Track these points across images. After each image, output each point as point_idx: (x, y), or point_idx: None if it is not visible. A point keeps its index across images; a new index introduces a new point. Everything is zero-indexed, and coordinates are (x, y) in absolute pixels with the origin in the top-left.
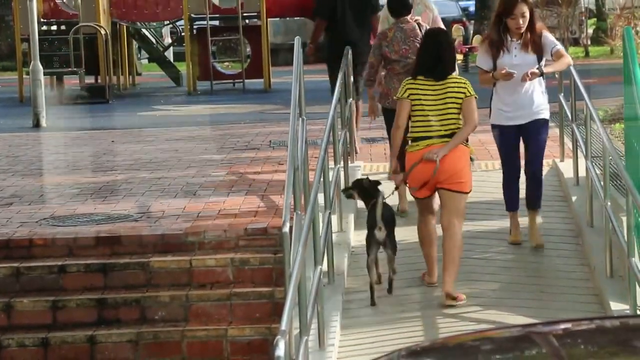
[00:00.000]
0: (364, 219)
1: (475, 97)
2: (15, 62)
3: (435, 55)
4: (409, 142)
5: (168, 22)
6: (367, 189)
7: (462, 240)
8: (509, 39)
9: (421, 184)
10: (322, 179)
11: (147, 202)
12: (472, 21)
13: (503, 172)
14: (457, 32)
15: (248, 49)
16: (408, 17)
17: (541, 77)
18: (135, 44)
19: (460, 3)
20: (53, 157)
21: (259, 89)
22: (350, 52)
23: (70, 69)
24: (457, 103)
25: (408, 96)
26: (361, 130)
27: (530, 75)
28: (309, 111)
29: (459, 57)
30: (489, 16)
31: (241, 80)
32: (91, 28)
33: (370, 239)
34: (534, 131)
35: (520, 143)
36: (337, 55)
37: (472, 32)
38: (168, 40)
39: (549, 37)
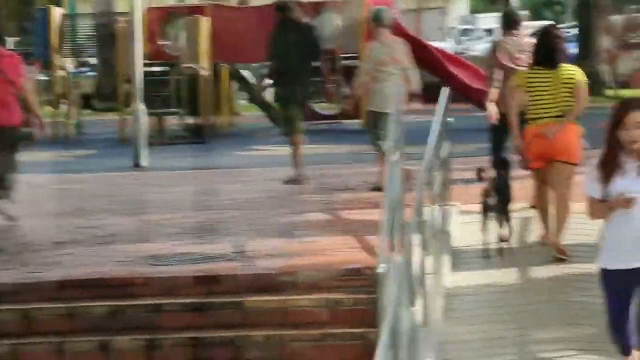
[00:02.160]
0: (460, 260)
1: (585, 83)
2: (117, 103)
3: (549, 48)
4: (528, 122)
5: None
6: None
7: (570, 206)
8: (626, 158)
9: (537, 156)
10: (418, 220)
11: (244, 242)
12: None
13: (608, 320)
14: None
15: (347, 90)
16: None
17: None
18: (235, 85)
19: None
20: (152, 196)
21: (357, 129)
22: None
23: (171, 110)
24: (568, 88)
25: (524, 85)
26: (458, 171)
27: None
28: (407, 151)
29: None
30: (590, 55)
31: (339, 120)
32: (193, 69)
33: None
34: None
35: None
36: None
37: None
38: (269, 81)
39: None
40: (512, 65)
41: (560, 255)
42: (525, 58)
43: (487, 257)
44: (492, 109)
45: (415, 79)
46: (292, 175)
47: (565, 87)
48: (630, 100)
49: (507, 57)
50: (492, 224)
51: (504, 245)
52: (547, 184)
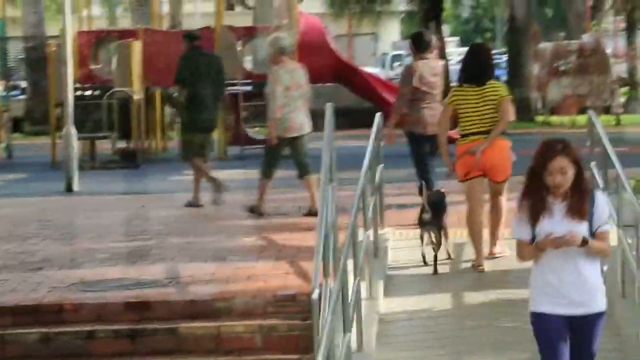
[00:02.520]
0: (394, 286)
1: (510, 97)
2: (49, 127)
3: (477, 66)
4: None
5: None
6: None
7: (504, 210)
8: (552, 199)
9: (467, 172)
10: (351, 245)
11: (177, 267)
12: None
13: None
14: None
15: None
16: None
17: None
18: (167, 109)
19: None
20: (84, 221)
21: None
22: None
23: (102, 134)
24: (494, 104)
25: (452, 102)
26: (391, 196)
27: (571, 240)
28: (340, 177)
29: None
30: (520, 82)
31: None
32: (125, 93)
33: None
34: (587, 328)
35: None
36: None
37: None
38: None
39: (601, 202)
40: (424, 88)
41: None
42: (437, 80)
43: (426, 265)
44: (387, 132)
45: (308, 102)
46: (191, 199)
47: (492, 103)
48: (553, 145)
49: (418, 79)
50: (428, 238)
51: (440, 260)
52: (477, 201)
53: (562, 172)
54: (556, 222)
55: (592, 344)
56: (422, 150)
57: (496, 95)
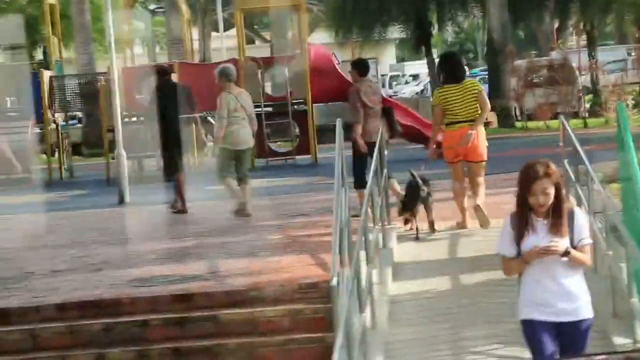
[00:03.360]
0: (401, 272)
1: (484, 90)
2: (103, 150)
3: (452, 68)
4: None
5: None
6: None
7: (483, 184)
8: (535, 217)
9: (454, 156)
10: (363, 239)
11: (215, 263)
12: None
13: None
14: None
15: (297, 130)
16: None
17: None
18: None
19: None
20: (135, 228)
21: (308, 164)
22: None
23: (148, 153)
24: (474, 96)
25: (440, 102)
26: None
27: (551, 249)
28: (350, 181)
29: None
30: (500, 94)
31: (292, 157)
32: None
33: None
34: (576, 334)
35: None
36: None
37: None
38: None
39: (580, 218)
40: (371, 105)
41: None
42: (378, 98)
43: (417, 239)
44: (361, 142)
45: (256, 123)
46: (173, 203)
47: (472, 96)
48: (535, 168)
49: (366, 98)
50: (410, 217)
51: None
52: (461, 179)
53: (544, 193)
54: (540, 238)
55: (582, 349)
56: (366, 155)
57: (476, 89)
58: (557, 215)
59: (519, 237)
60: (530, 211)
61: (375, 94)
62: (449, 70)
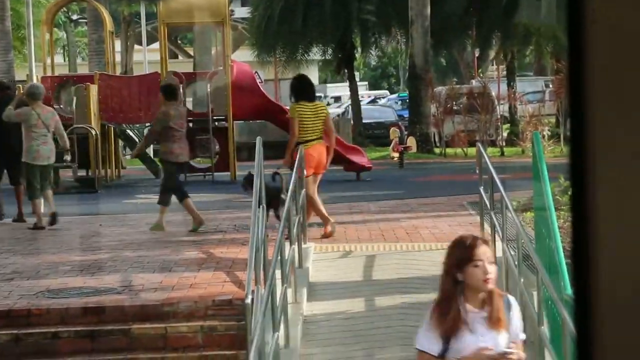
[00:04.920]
0: (316, 292)
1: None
2: None
3: (306, 88)
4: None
5: (149, 124)
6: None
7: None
8: (469, 308)
9: (310, 168)
10: (279, 258)
11: (129, 277)
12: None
13: None
14: (394, 134)
15: (217, 146)
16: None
17: None
18: (121, 142)
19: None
20: (49, 238)
21: (226, 181)
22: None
23: (65, 164)
24: (323, 118)
25: (297, 116)
26: (313, 216)
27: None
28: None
29: (395, 154)
30: (420, 120)
31: (211, 173)
32: (84, 129)
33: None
34: None
35: None
36: None
37: (406, 133)
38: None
39: (516, 308)
40: (176, 127)
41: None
42: (184, 122)
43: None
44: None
45: (66, 138)
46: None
47: (322, 117)
48: (469, 236)
49: (172, 122)
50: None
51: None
52: (314, 190)
53: (490, 261)
54: (480, 335)
55: None
56: (175, 174)
57: (325, 111)
58: (495, 304)
59: (449, 332)
60: (460, 298)
61: (181, 117)
62: (302, 89)
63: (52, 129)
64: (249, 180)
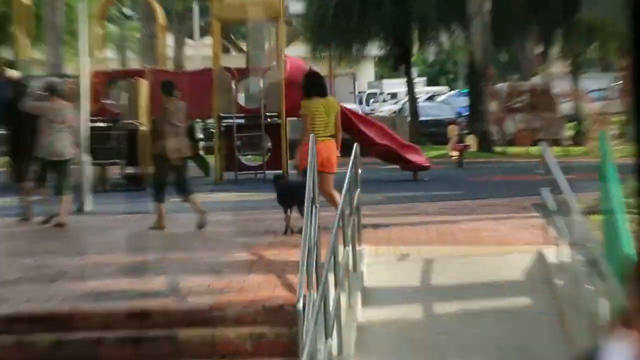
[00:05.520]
0: (371, 297)
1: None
2: None
3: (318, 83)
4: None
5: (200, 119)
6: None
7: (336, 195)
8: None
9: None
10: (332, 261)
11: (176, 280)
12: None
13: None
14: (452, 131)
15: (269, 144)
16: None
17: None
18: None
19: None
20: (94, 238)
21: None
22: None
23: (113, 160)
24: (334, 114)
25: (310, 112)
26: (368, 217)
27: None
28: (322, 199)
29: (454, 153)
30: (480, 118)
31: (262, 171)
32: (132, 125)
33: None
34: None
35: None
36: None
37: (465, 131)
38: (200, 135)
39: None
40: (174, 122)
41: None
42: (183, 116)
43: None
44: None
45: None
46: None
47: (333, 113)
48: None
49: (173, 117)
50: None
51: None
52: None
53: None
54: None
55: None
56: (166, 171)
57: (337, 108)
58: None
59: None
60: None
61: (181, 112)
62: (314, 85)
63: (70, 124)
64: (275, 182)
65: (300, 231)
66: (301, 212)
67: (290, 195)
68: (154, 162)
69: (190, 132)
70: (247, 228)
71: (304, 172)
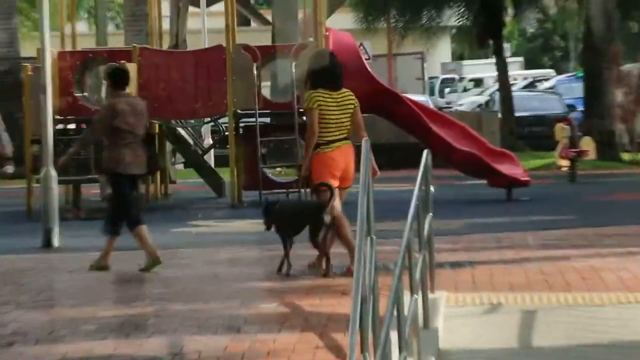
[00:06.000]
0: None
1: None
2: (24, 169)
3: (332, 71)
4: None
5: (209, 119)
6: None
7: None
8: None
9: (334, 177)
10: (395, 313)
11: (180, 341)
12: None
13: None
14: (561, 132)
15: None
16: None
17: None
18: (169, 146)
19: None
20: (66, 284)
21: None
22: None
23: (89, 176)
24: (350, 112)
25: (317, 106)
26: (444, 252)
27: None
28: (380, 228)
29: (564, 163)
30: (601, 113)
31: (297, 189)
32: None
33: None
34: None
35: None
36: None
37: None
38: (209, 141)
39: None
40: (131, 130)
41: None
42: (140, 121)
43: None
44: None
45: (7, 141)
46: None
47: (349, 109)
48: None
49: (121, 120)
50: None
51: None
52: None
53: None
54: None
55: None
56: (124, 190)
57: (353, 103)
58: None
59: None
60: None
61: (136, 114)
62: (325, 74)
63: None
64: (266, 210)
65: (313, 269)
66: (314, 242)
67: (293, 220)
68: (108, 181)
69: (149, 139)
70: (276, 268)
71: (315, 189)
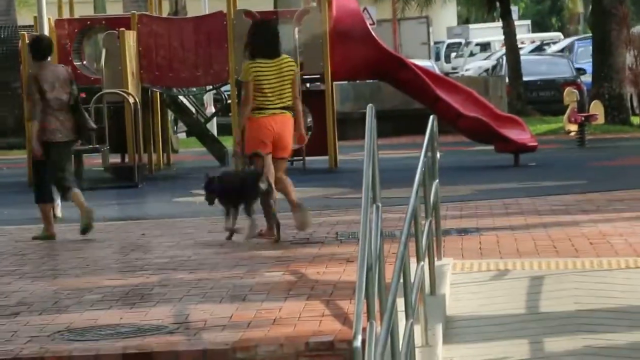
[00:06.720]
0: (455, 330)
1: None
2: (24, 139)
3: (269, 39)
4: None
5: (211, 87)
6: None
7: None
8: None
9: (262, 144)
10: (401, 280)
11: (185, 310)
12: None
13: None
14: (570, 96)
15: (309, 120)
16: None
17: None
18: (170, 115)
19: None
20: (69, 254)
21: (323, 169)
22: None
23: (91, 146)
24: (290, 79)
25: (253, 78)
26: (450, 218)
27: None
28: (385, 195)
29: (572, 128)
30: (610, 76)
31: (301, 157)
32: (117, 96)
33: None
34: None
35: None
36: None
37: (589, 97)
38: (211, 109)
39: None
40: (57, 97)
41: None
42: (64, 88)
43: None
44: (35, 145)
45: None
46: None
47: (288, 77)
48: None
49: (47, 87)
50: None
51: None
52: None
53: None
54: None
55: None
56: (55, 157)
57: (293, 71)
58: None
59: None
60: None
61: (59, 81)
62: (262, 41)
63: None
64: (207, 185)
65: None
66: (248, 211)
67: (237, 189)
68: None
69: (75, 106)
70: (284, 236)
71: (250, 158)
